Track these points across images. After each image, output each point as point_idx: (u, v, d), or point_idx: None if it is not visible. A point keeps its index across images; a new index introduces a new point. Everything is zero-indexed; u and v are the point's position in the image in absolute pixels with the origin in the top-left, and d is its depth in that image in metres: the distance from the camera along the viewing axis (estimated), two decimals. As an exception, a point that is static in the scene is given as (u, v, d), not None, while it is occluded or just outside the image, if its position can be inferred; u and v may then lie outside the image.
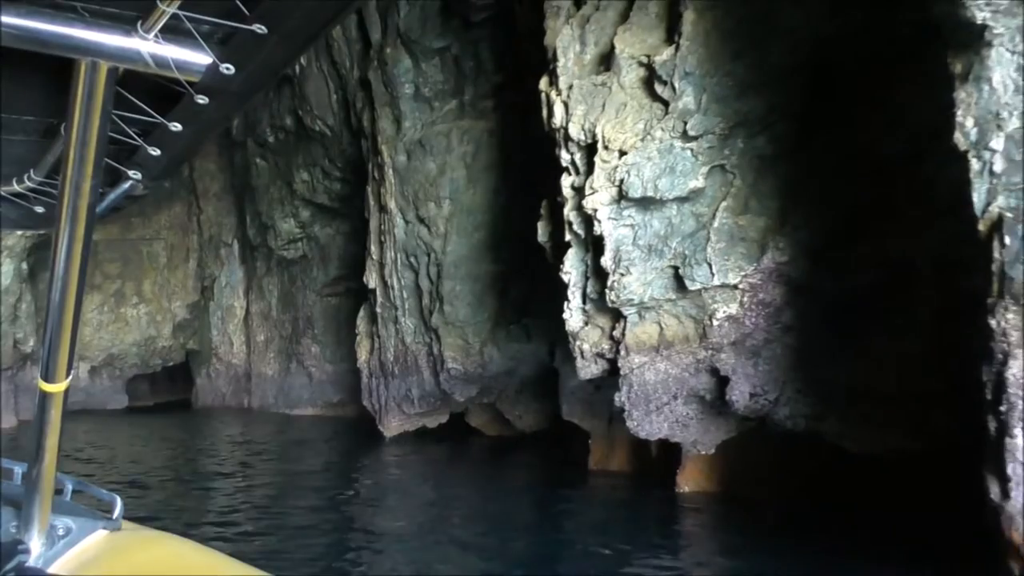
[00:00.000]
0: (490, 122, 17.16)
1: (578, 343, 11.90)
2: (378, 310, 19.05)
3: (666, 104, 10.74)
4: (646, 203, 10.86)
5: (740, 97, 10.49)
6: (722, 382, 11.08)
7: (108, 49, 1.49)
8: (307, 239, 25.23)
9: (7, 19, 1.36)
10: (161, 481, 15.88)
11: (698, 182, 10.61)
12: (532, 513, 13.62)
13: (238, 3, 1.38)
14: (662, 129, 10.73)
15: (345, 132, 21.28)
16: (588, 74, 11.50)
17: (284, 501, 14.14)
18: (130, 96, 1.72)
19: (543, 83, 12.11)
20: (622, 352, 11.41)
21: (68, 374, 1.93)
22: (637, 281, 11.02)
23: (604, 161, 11.05)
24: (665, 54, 10.64)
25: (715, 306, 10.89)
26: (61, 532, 2.12)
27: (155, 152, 1.92)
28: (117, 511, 2.22)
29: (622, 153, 10.94)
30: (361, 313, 20.27)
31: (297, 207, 24.49)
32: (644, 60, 10.92)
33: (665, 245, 10.97)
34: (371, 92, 18.54)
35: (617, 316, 11.58)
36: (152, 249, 27.63)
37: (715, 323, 10.91)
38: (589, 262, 11.72)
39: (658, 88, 10.74)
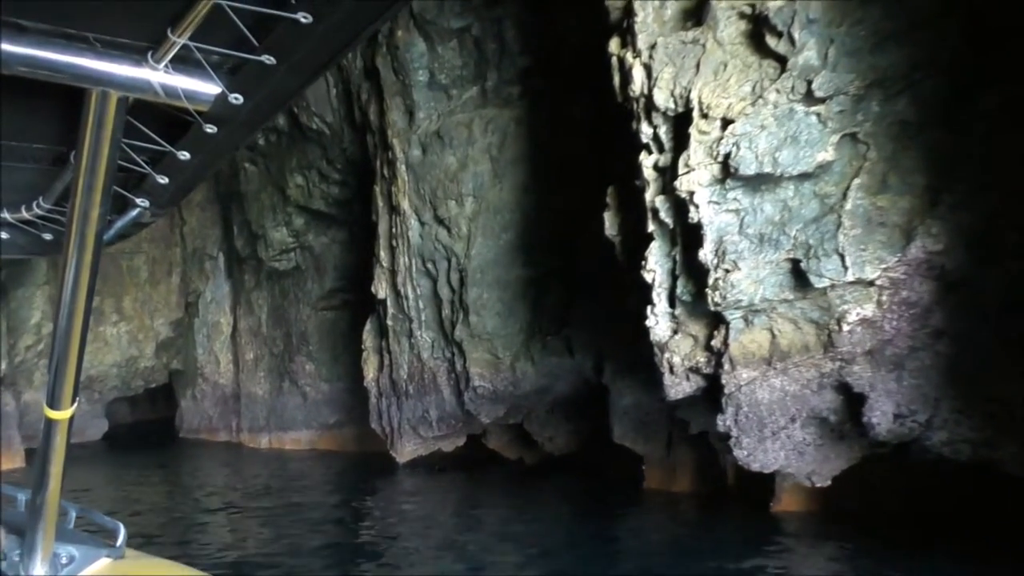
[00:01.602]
0: (517, 110, 14.71)
1: (666, 356, 9.46)
2: (389, 323, 16.49)
3: (781, 61, 8.42)
4: (757, 182, 8.49)
5: (876, 50, 8.21)
6: (854, 401, 8.69)
7: (119, 79, 1.45)
8: (300, 249, 22.57)
9: (20, 49, 1.33)
10: (160, 524, 13.24)
11: (827, 154, 8.28)
12: (613, 541, 11.38)
13: (247, 34, 1.35)
14: (777, 91, 8.39)
15: (346, 129, 18.71)
16: (673, 31, 9.10)
17: (298, 545, 11.59)
18: (139, 125, 1.66)
19: (614, 45, 9.72)
20: (725, 366, 9.00)
21: (74, 401, 1.90)
22: (747, 278, 8.64)
23: (702, 133, 8.69)
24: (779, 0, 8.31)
25: (845, 307, 8.52)
26: (64, 560, 2.05)
27: (163, 180, 1.86)
28: (121, 539, 2.15)
29: (726, 122, 8.58)
30: (368, 327, 17.69)
31: (290, 214, 21.84)
32: (748, 10, 8.55)
33: (781, 233, 8.58)
34: (379, 81, 16.03)
35: (715, 322, 9.17)
36: (132, 263, 24.86)
37: (845, 328, 8.53)
38: (678, 257, 9.31)
39: (770, 41, 8.40)
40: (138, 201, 1.99)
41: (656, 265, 9.41)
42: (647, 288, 9.49)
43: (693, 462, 12.73)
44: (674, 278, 9.37)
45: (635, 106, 9.45)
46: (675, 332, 9.42)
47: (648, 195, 9.41)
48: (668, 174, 9.24)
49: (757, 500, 11.33)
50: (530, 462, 17.93)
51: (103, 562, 2.13)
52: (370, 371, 17.46)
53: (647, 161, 9.41)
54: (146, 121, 1.68)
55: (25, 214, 2.17)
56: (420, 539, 12.22)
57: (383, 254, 16.50)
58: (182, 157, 1.75)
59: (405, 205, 15.53)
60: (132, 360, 24.47)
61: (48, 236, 2.26)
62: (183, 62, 1.45)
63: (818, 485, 9.45)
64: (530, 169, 14.50)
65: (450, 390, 15.72)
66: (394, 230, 16.03)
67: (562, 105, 14.07)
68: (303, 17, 1.28)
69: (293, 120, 19.86)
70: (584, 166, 13.78)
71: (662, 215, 9.23)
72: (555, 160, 14.19)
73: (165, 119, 1.66)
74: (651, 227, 9.42)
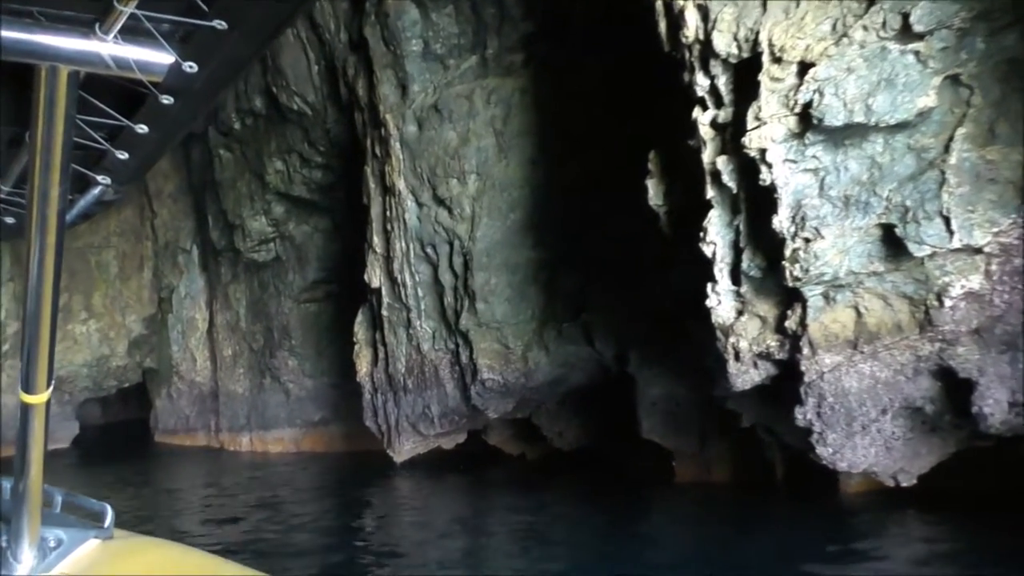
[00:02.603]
0: (521, 79, 13.23)
1: (731, 340, 8.05)
2: (384, 313, 14.95)
3: (869, -8, 7.01)
4: (839, 136, 7.12)
5: (981, -25, 6.82)
6: (958, 388, 7.32)
7: (67, 53, 1.38)
8: (280, 239, 20.91)
9: None
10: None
11: (929, 99, 6.92)
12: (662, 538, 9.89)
13: (196, 0, 1.29)
14: (865, 27, 7.01)
15: (330, 109, 17.11)
16: (731, -35, 7.68)
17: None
18: (94, 100, 1.61)
19: (659, -14, 8.25)
20: (804, 350, 7.62)
21: (49, 384, 1.83)
22: (833, 248, 7.25)
23: (775, 80, 7.30)
24: (865, -81, 6.93)
25: (946, 279, 7.16)
26: (52, 544, 1.97)
27: (123, 156, 1.80)
28: (108, 520, 2.07)
29: (804, 66, 7.17)
30: (359, 318, 16.13)
31: (269, 202, 20.17)
32: (823, -65, 7.17)
33: (871, 195, 7.22)
34: (367, 54, 14.47)
35: (788, 300, 7.79)
36: (101, 258, 23.06)
37: (946, 303, 7.17)
38: (742, 227, 7.90)
39: (854, -30, 6.98)
40: (99, 179, 1.92)
41: (717, 237, 8.00)
42: (707, 263, 8.07)
43: (732, 455, 11.37)
44: (737, 251, 7.96)
45: (687, 55, 8.01)
46: (740, 313, 8.01)
47: (705, 156, 7.99)
48: (730, 131, 7.83)
49: (815, 494, 10.04)
50: (532, 457, 16.55)
51: (92, 543, 2.02)
52: (363, 366, 15.91)
53: (703, 117, 7.99)
54: (101, 96, 1.61)
55: None
56: (437, 550, 10.76)
57: (376, 239, 14.95)
58: (140, 130, 1.68)
59: (401, 185, 14.00)
60: (103, 359, 22.68)
61: (10, 220, 2.18)
62: (133, 32, 1.37)
63: (904, 485, 8.10)
64: (538, 142, 13.04)
65: (453, 384, 14.23)
66: (388, 213, 14.49)
67: (572, 71, 12.60)
68: None
69: (271, 101, 18.23)
70: (599, 137, 12.35)
71: (724, 178, 7.81)
72: (565, 131, 12.73)
73: (120, 93, 1.59)
74: (710, 193, 8.00)
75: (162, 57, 1.44)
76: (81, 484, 18.01)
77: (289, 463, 19.50)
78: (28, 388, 1.82)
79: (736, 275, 7.97)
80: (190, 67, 1.44)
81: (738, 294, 7.97)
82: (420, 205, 13.93)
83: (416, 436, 15.05)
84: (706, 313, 8.15)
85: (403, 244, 14.24)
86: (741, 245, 7.91)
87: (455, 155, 13.35)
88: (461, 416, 14.41)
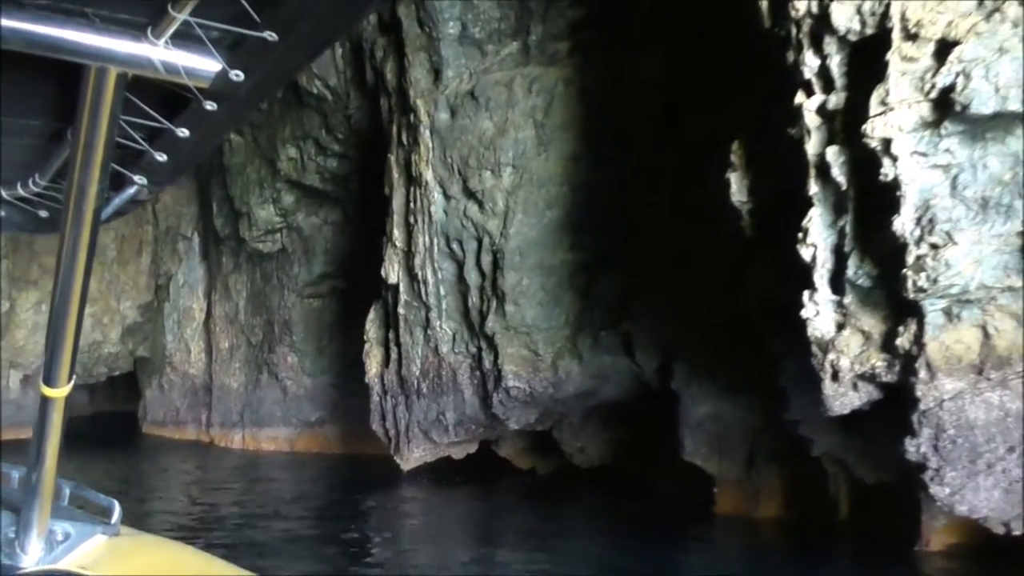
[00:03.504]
0: (566, 69, 12.07)
1: (830, 357, 6.87)
2: (401, 311, 13.73)
3: (1026, -39, 5.88)
4: (983, 128, 5.96)
5: None
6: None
7: (118, 55, 1.34)
8: (288, 229, 19.65)
9: (17, 24, 1.24)
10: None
11: (1097, 89, 5.74)
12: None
13: (249, 10, 1.24)
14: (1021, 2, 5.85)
15: (352, 94, 15.91)
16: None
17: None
18: (138, 101, 1.55)
19: (760, -47, 7.12)
20: (920, 373, 6.44)
21: (70, 379, 1.77)
22: (967, 257, 6.08)
23: (907, 60, 6.16)
24: None
25: (1095, 298, 6.01)
26: (60, 537, 1.92)
27: (161, 157, 1.72)
28: (115, 516, 2.00)
29: (945, 45, 6.01)
30: (371, 315, 14.91)
31: (279, 190, 18.91)
32: None
33: (1015, 197, 6.05)
34: (399, 36, 13.28)
35: (899, 315, 6.61)
36: (99, 240, 21.52)
37: (1094, 327, 6.01)
38: (849, 228, 6.74)
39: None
40: (135, 178, 1.83)
41: (818, 238, 6.85)
42: (803, 269, 6.91)
43: (784, 486, 10.16)
44: (841, 256, 6.81)
45: (794, 32, 6.87)
46: (842, 326, 6.85)
47: (810, 147, 6.84)
48: (841, 119, 6.70)
49: (887, 536, 8.78)
50: (543, 472, 15.35)
51: (98, 539, 1.96)
52: (373, 366, 14.68)
53: (810, 103, 6.84)
54: (144, 97, 1.54)
55: (21, 191, 2.02)
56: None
57: (397, 233, 13.74)
58: (181, 134, 1.61)
59: (428, 176, 12.80)
60: (95, 345, 21.28)
61: (44, 213, 2.12)
62: (183, 38, 1.32)
63: (1016, 533, 6.93)
64: (581, 136, 11.87)
65: (472, 390, 13.01)
66: (412, 205, 13.28)
67: (625, 61, 11.46)
68: None
69: (289, 84, 16.95)
70: (649, 132, 11.20)
71: (833, 172, 6.67)
72: (612, 126, 11.58)
73: (163, 95, 1.52)
74: (812, 189, 6.85)
75: (210, 64, 1.38)
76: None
77: (284, 465, 18.12)
78: (49, 381, 1.77)
79: (839, 283, 6.82)
80: (236, 75, 1.38)
81: (840, 305, 6.81)
82: (448, 198, 12.73)
83: (427, 444, 13.82)
84: (797, 326, 6.98)
85: (426, 238, 13.03)
86: (846, 249, 6.76)
87: (490, 145, 12.17)
88: (478, 425, 13.19)
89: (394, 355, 14.13)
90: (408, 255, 13.50)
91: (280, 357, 20.74)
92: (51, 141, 1.85)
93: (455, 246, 12.76)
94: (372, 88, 14.95)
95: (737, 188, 7.90)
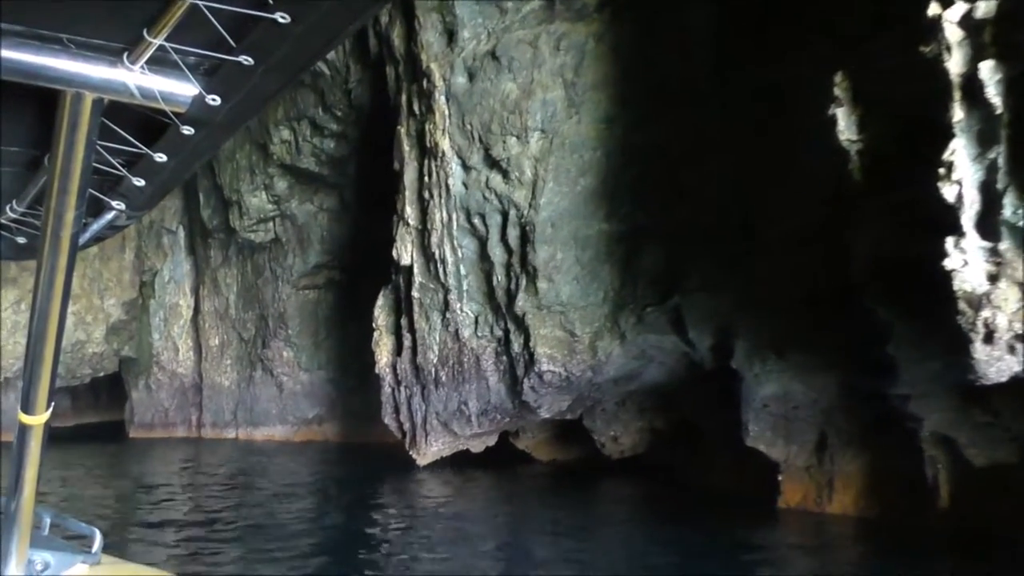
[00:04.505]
0: (595, 24, 10.73)
1: (983, 314, 5.58)
2: (415, 295, 12.33)
3: None
4: None
5: None
6: None
7: (94, 81, 1.32)
8: (281, 218, 18.16)
9: None
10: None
11: None
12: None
13: (225, 35, 1.21)
14: None
15: (353, 66, 14.50)
16: None
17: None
18: (114, 127, 1.52)
19: None
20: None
21: (49, 406, 1.73)
22: None
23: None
24: None
25: None
26: (40, 567, 1.91)
27: (140, 183, 1.69)
28: (96, 545, 1.98)
29: None
30: (380, 301, 13.49)
31: (272, 176, 17.42)
32: None
33: None
34: (406, -3, 11.92)
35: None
36: (80, 235, 20.02)
37: None
38: (1002, 160, 5.44)
39: None
40: (114, 204, 1.79)
41: (965, 174, 5.55)
42: (946, 211, 5.61)
43: (861, 473, 8.85)
44: (990, 194, 5.53)
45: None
46: (995, 278, 5.56)
47: (953, 65, 5.55)
48: (992, 29, 5.41)
49: (1001, 531, 7.45)
50: (562, 462, 14.04)
51: (79, 568, 1.94)
52: (384, 355, 13.27)
53: (950, 14, 5.55)
54: (121, 123, 1.50)
55: None
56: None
57: (409, 210, 12.33)
58: (159, 159, 1.58)
59: (445, 145, 11.41)
60: (79, 345, 19.58)
61: (22, 240, 2.10)
62: (159, 63, 1.30)
63: None
64: (617, 96, 10.54)
65: (498, 376, 11.65)
66: (427, 179, 11.88)
67: (662, 14, 10.15)
68: (281, 17, 1.14)
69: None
70: (693, 89, 9.91)
71: (988, 92, 5.37)
72: (650, 84, 10.27)
73: (141, 121, 1.49)
74: (957, 115, 5.55)
75: (187, 89, 1.35)
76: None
77: (286, 458, 16.59)
78: (27, 408, 1.71)
79: (990, 227, 5.53)
80: (213, 100, 1.35)
81: (994, 252, 5.53)
82: (467, 168, 11.36)
83: (447, 436, 12.44)
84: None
85: (444, 214, 11.64)
86: (999, 186, 5.47)
87: (515, 109, 10.81)
88: (505, 415, 11.83)
89: (407, 343, 12.73)
90: (423, 233, 12.11)
91: (275, 352, 19.28)
92: (28, 168, 1.79)
93: (476, 221, 11.40)
94: (376, 57, 13.54)
95: (845, 125, 6.59)
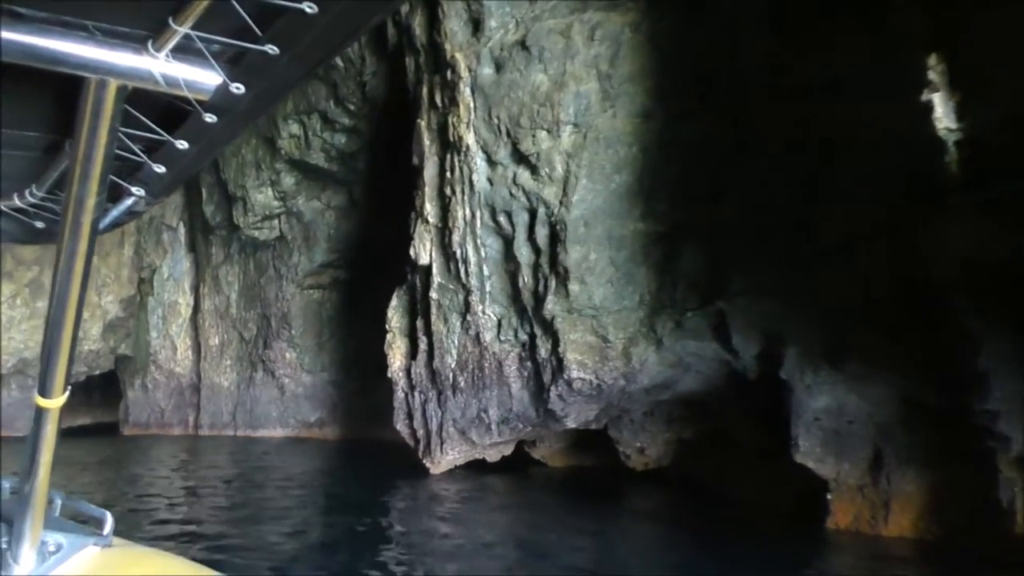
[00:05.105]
0: (632, 14, 10.00)
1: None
2: (433, 296, 11.57)
3: None
4: None
5: None
6: None
7: (118, 68, 1.29)
8: (287, 215, 17.39)
9: (18, 37, 1.20)
10: None
11: None
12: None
13: (251, 24, 1.19)
14: None
15: (369, 58, 13.74)
16: None
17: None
18: (137, 113, 1.48)
19: None
20: None
21: (65, 389, 1.71)
22: None
23: None
24: None
25: None
26: (52, 548, 1.86)
27: (160, 169, 1.67)
28: (108, 527, 1.93)
29: None
30: (394, 302, 12.71)
31: (279, 172, 16.64)
32: None
33: None
34: (429, -16, 11.19)
35: None
36: (77, 230, 19.17)
37: None
38: None
39: None
40: (133, 190, 1.77)
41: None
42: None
43: (923, 493, 8.12)
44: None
45: None
46: None
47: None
48: None
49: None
50: (579, 471, 13.30)
51: (91, 550, 1.90)
52: (397, 359, 12.50)
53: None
54: (143, 109, 1.47)
55: (18, 202, 1.97)
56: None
57: (429, 207, 11.57)
58: (180, 146, 1.56)
59: (469, 139, 10.67)
60: (75, 342, 18.71)
61: (40, 224, 2.06)
62: (184, 51, 1.28)
63: None
64: (654, 89, 9.81)
65: (521, 383, 10.89)
66: (449, 175, 11.13)
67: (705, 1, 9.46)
68: (308, 7, 1.13)
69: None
70: (741, 80, 9.20)
71: None
72: (692, 76, 9.56)
73: (162, 108, 1.45)
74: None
75: (210, 77, 1.32)
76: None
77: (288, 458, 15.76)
78: (44, 392, 1.69)
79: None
80: (237, 88, 1.32)
81: None
82: (493, 164, 10.61)
83: (464, 444, 11.68)
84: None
85: (467, 211, 10.90)
86: None
87: (546, 101, 10.07)
88: (527, 423, 11.08)
89: (423, 346, 11.96)
90: (443, 232, 11.36)
91: (277, 353, 18.51)
92: (49, 153, 1.77)
93: (502, 219, 10.65)
94: (394, 48, 12.79)
95: (944, 111, 5.87)
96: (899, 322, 7.45)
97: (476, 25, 10.79)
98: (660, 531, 9.79)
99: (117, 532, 1.99)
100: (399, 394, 12.41)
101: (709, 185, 9.29)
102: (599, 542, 8.96)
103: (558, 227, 9.98)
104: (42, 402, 1.70)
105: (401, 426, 12.45)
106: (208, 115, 1.41)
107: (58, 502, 2.01)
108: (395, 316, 12.61)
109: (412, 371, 12.16)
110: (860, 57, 7.54)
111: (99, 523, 1.95)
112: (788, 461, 8.96)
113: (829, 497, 8.70)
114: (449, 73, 10.94)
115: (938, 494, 7.94)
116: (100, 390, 22.68)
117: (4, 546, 1.82)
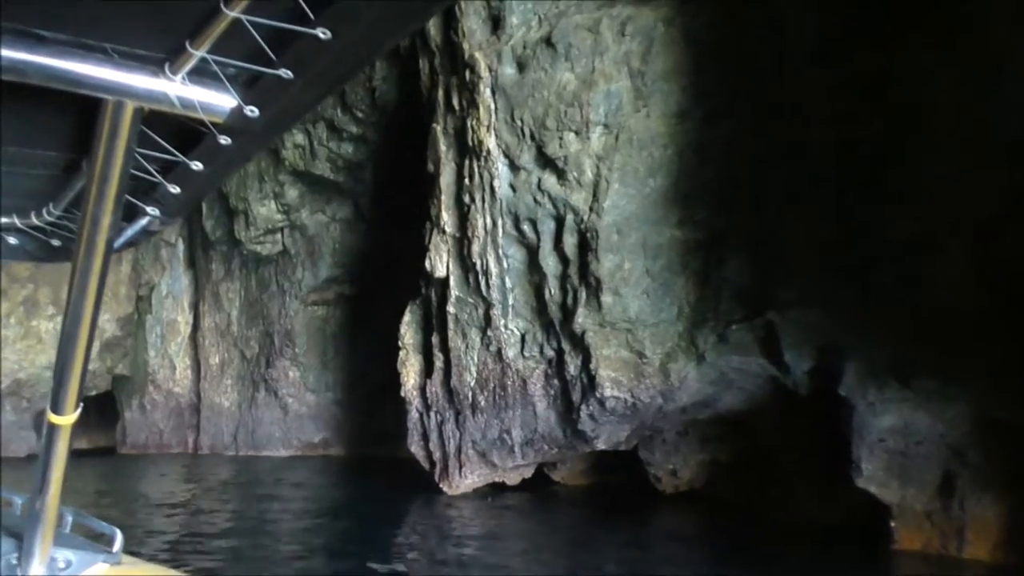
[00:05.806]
0: (664, 8, 9.24)
1: None
2: (451, 310, 10.72)
3: None
4: None
5: None
6: None
7: (135, 90, 1.30)
8: (290, 228, 16.53)
9: (38, 59, 1.19)
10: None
11: None
12: None
13: (265, 48, 1.19)
14: None
15: (379, 62, 12.93)
16: None
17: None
18: (153, 134, 1.49)
19: None
20: None
21: (78, 407, 1.73)
22: None
23: None
24: None
25: None
26: (62, 565, 1.86)
27: (175, 190, 1.67)
28: (117, 544, 1.93)
29: None
30: (407, 318, 11.84)
31: (282, 184, 15.80)
32: None
33: None
34: (446, -19, 10.35)
35: None
36: (74, 247, 18.25)
37: None
38: None
39: None
40: (148, 210, 1.75)
41: None
42: None
43: (1004, 521, 7.29)
44: None
45: None
46: None
47: None
48: None
49: None
50: (598, 490, 12.43)
51: (100, 567, 1.90)
52: (411, 377, 11.62)
53: None
54: (159, 131, 1.48)
55: (34, 220, 1.97)
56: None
57: (446, 216, 10.74)
58: (195, 167, 1.55)
59: (491, 143, 9.86)
60: (70, 362, 17.76)
61: (56, 242, 2.06)
62: (200, 74, 1.28)
63: None
64: (691, 87, 9.04)
65: (547, 402, 10.04)
66: (467, 181, 10.31)
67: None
68: (322, 33, 1.12)
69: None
70: (786, 77, 8.42)
71: None
72: (732, 73, 8.78)
73: (178, 129, 1.45)
74: None
75: (225, 100, 1.32)
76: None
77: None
78: (56, 409, 1.69)
79: None
80: (251, 111, 1.32)
81: None
82: (516, 169, 9.81)
83: (484, 467, 10.83)
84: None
85: (487, 220, 10.07)
86: None
87: (574, 102, 9.28)
88: (554, 444, 10.21)
89: (439, 363, 11.11)
90: (461, 242, 10.52)
91: (280, 372, 17.59)
92: (66, 172, 1.77)
93: (526, 227, 9.84)
94: (406, 50, 11.99)
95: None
96: (976, 333, 6.64)
97: (496, 23, 10.02)
98: (711, 550, 8.88)
99: (126, 549, 1.95)
100: (413, 414, 11.54)
101: (752, 187, 8.49)
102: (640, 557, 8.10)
103: (588, 235, 9.16)
104: (54, 419, 1.70)
105: (415, 448, 11.58)
106: (223, 137, 1.40)
107: (68, 519, 2.00)
108: (408, 332, 11.74)
109: (427, 390, 11.30)
110: (919, 51, 6.78)
111: (109, 540, 1.93)
112: (839, 483, 8.14)
113: (892, 524, 7.84)
114: (467, 74, 10.15)
115: (1019, 520, 7.10)
116: (97, 412, 21.63)
117: (15, 562, 1.81)
